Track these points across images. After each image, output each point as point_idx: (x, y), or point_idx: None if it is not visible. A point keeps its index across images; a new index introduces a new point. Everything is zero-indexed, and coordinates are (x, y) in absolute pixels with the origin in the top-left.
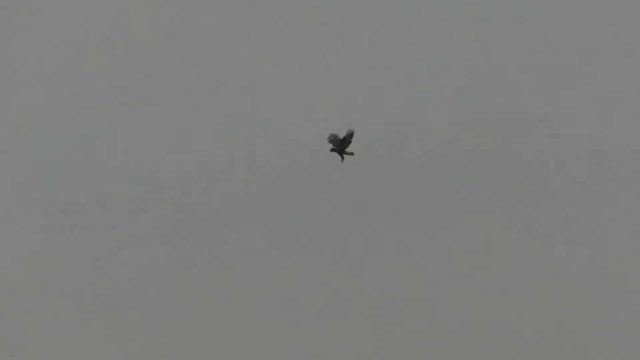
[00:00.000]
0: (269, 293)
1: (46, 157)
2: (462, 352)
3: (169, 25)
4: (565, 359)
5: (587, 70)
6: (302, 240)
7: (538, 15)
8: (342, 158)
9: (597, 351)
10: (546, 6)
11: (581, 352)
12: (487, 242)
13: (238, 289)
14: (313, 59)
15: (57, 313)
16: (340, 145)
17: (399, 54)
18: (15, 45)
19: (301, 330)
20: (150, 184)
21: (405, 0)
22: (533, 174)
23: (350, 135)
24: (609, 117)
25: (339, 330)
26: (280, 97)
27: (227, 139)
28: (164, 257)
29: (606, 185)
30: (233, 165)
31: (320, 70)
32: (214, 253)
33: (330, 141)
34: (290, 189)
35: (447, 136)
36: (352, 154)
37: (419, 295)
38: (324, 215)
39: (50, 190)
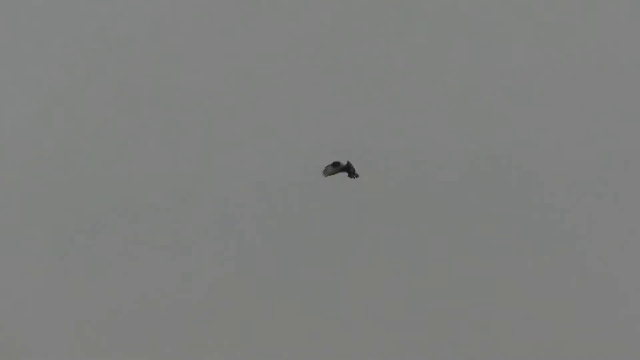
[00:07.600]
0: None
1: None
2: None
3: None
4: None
5: (593, 95)
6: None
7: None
8: (352, 176)
9: (597, 352)
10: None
11: (581, 353)
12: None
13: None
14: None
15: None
16: (342, 168)
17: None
18: (15, 46)
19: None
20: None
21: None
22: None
23: (345, 168)
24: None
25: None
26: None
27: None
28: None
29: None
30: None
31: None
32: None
33: (330, 169)
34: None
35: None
36: (357, 175)
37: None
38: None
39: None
